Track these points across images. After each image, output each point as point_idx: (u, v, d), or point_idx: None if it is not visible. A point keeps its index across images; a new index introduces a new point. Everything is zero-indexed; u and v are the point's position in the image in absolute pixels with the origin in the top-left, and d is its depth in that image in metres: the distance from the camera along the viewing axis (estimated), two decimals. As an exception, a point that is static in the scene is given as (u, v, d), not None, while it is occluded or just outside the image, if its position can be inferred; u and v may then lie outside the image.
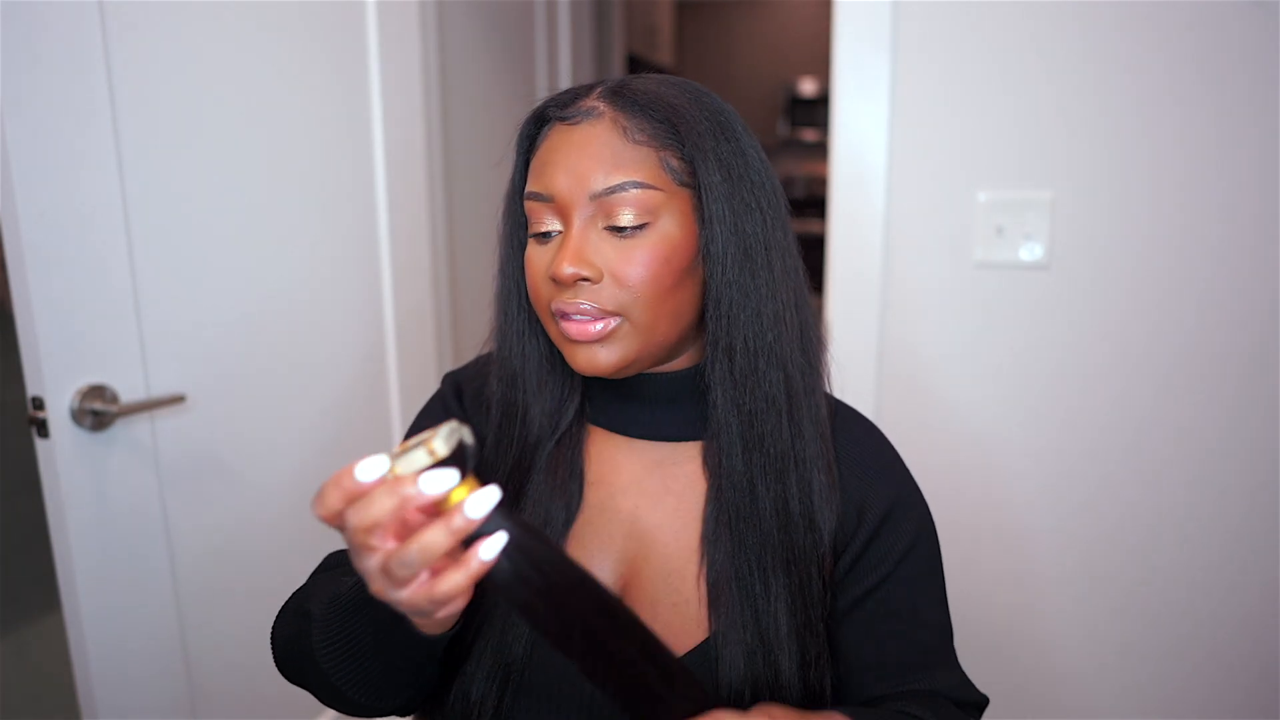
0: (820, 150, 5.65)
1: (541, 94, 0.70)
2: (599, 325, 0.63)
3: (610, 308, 0.63)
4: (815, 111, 5.66)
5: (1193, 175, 1.21)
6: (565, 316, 0.64)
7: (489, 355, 0.79)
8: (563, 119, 0.65)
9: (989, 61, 1.29)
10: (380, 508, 0.46)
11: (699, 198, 0.64)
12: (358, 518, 0.47)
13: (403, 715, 0.71)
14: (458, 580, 0.47)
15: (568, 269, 0.62)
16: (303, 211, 1.44)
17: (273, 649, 0.70)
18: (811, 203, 5.39)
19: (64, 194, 1.05)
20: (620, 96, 0.65)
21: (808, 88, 5.69)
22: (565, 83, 2.46)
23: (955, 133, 1.32)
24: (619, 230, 0.63)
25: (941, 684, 0.69)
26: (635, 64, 3.81)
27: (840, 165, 1.39)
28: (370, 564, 0.48)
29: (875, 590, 0.69)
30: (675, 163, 0.64)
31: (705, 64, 5.82)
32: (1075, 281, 1.29)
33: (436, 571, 0.48)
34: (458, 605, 0.51)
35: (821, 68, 5.39)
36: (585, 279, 0.62)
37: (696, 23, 5.86)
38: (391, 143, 1.61)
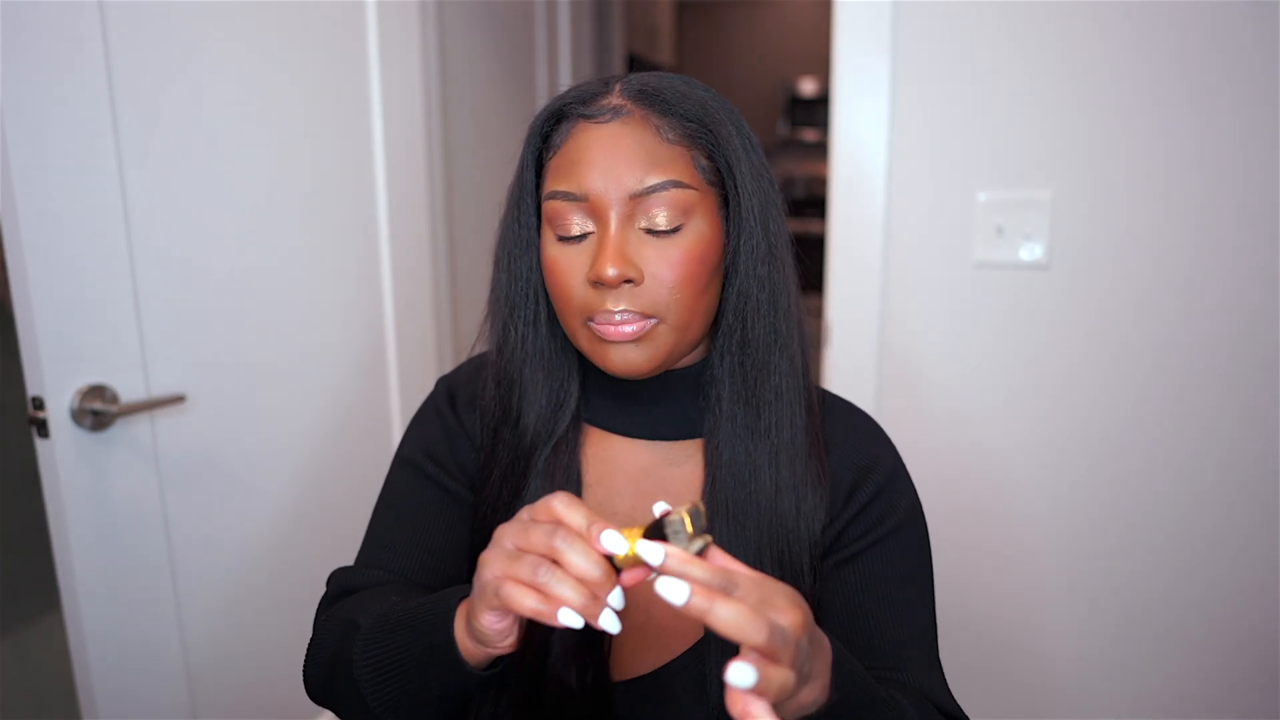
0: (820, 150, 5.65)
1: (541, 95, 0.70)
2: (634, 326, 0.63)
3: (649, 311, 0.63)
4: (815, 111, 5.67)
5: (1193, 174, 1.21)
6: (600, 318, 0.63)
7: (481, 358, 0.78)
8: (587, 117, 0.64)
9: (989, 61, 1.29)
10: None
11: (724, 196, 0.65)
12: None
13: None
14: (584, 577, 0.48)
15: (612, 271, 0.61)
16: (303, 211, 1.44)
17: (307, 660, 0.69)
18: (811, 203, 5.39)
19: (64, 194, 1.05)
20: (646, 95, 0.64)
21: (808, 88, 5.70)
22: (565, 83, 2.46)
23: (955, 133, 1.32)
24: (657, 231, 0.62)
25: (921, 684, 0.67)
26: (635, 64, 3.81)
27: (840, 165, 1.39)
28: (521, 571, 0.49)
29: (852, 561, 0.68)
30: (704, 162, 0.64)
31: (705, 64, 5.82)
32: (1075, 281, 1.29)
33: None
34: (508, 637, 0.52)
35: (821, 68, 5.39)
36: (629, 281, 0.62)
37: (696, 23, 5.86)
38: (391, 143, 1.61)
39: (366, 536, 0.76)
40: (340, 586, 0.73)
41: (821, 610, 0.69)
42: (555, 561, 0.48)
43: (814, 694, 0.50)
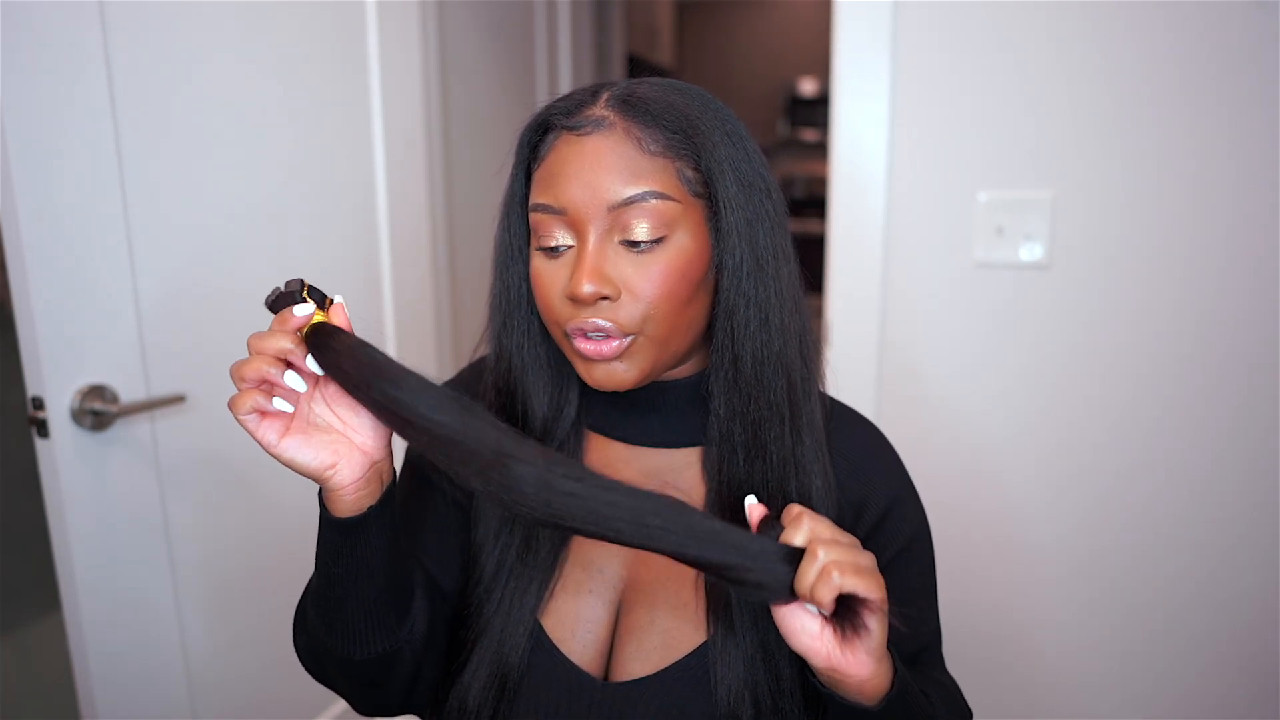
0: (820, 150, 5.65)
1: (541, 95, 0.70)
2: (615, 343, 0.62)
3: (628, 327, 0.62)
4: (815, 111, 5.66)
5: (1193, 174, 1.21)
6: (580, 335, 0.63)
7: (480, 362, 0.78)
8: (570, 129, 0.63)
9: (989, 61, 1.29)
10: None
11: (712, 209, 0.63)
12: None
13: (397, 702, 0.71)
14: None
15: (587, 288, 0.60)
16: (303, 211, 1.44)
17: (298, 653, 0.73)
18: (811, 203, 5.39)
19: (64, 194, 1.05)
20: (630, 106, 0.63)
21: (808, 88, 5.69)
22: (565, 83, 2.46)
23: (955, 133, 1.32)
24: (636, 244, 0.61)
25: None
26: (635, 64, 3.80)
27: (840, 165, 1.39)
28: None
29: None
30: (690, 173, 0.63)
31: (705, 64, 5.82)
32: (1076, 281, 1.29)
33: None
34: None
35: (821, 68, 5.39)
36: (604, 298, 0.61)
37: (696, 23, 5.86)
38: (391, 142, 1.61)
39: None
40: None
41: None
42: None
43: (884, 671, 0.55)
